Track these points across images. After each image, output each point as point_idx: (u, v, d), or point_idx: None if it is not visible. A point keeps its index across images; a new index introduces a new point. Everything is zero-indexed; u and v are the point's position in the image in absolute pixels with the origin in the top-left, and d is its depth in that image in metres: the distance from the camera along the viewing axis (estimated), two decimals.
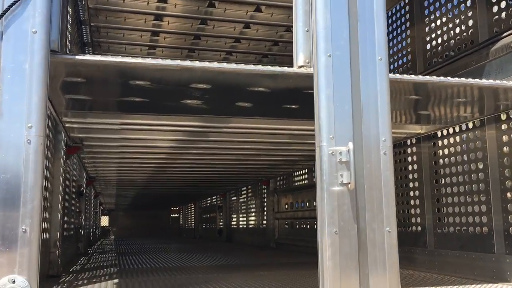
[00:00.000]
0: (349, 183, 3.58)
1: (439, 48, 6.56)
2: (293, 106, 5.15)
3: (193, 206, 28.50)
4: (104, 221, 33.66)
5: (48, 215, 6.74)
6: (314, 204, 10.83)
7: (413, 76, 4.25)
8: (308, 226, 11.54)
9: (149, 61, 3.63)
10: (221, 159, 9.81)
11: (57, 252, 6.86)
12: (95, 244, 19.67)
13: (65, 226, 9.37)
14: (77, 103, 4.85)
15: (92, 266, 8.69)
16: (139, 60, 3.60)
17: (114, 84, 4.21)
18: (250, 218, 16.71)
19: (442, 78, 4.36)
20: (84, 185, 12.92)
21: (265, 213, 14.72)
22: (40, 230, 3.05)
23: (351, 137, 3.68)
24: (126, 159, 9.81)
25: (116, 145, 7.97)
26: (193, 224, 28.54)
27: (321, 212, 3.64)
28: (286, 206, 13.11)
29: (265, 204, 14.71)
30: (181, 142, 7.92)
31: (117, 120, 5.95)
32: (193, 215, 28.71)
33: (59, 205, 6.98)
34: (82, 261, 9.71)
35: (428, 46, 6.82)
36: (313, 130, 6.97)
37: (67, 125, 6.13)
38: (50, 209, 6.87)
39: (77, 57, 3.46)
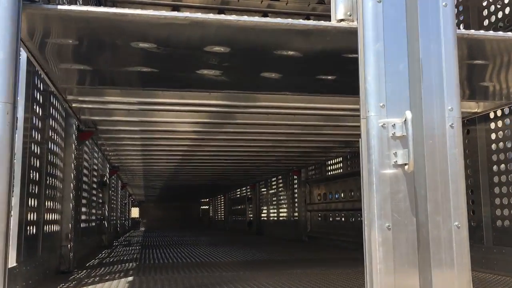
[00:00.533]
0: (405, 164, 2.78)
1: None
2: (329, 77, 4.34)
3: (223, 198, 27.99)
4: (135, 212, 33.62)
5: (59, 205, 6.17)
6: (351, 194, 10.00)
7: (489, 32, 3.38)
8: (343, 219, 10.70)
9: (150, 12, 2.89)
10: (248, 145, 9.06)
11: (69, 245, 6.29)
12: (123, 236, 19.36)
13: (84, 217, 8.86)
14: (77, 75, 4.19)
15: (111, 260, 8.13)
16: (138, 11, 2.87)
17: (114, 48, 3.50)
18: (280, 210, 15.97)
19: None
20: (107, 174, 12.44)
21: (296, 204, 13.94)
22: (7, 220, 2.37)
23: (407, 105, 2.87)
24: (148, 146, 9.19)
25: (135, 130, 7.32)
26: (223, 216, 28.04)
27: (368, 201, 2.85)
28: (319, 197, 12.29)
29: (296, 195, 13.92)
30: (205, 126, 7.22)
31: (131, 99, 5.27)
32: (223, 207, 28.21)
33: (71, 194, 6.40)
34: (103, 255, 9.19)
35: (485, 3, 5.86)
36: (352, 110, 6.18)
37: (74, 105, 5.50)
38: (61, 199, 6.30)
39: (59, 7, 2.76)
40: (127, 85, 4.74)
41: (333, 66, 4.04)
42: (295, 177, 13.88)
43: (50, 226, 5.79)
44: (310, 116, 6.70)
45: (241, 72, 4.21)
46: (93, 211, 10.32)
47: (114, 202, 17.03)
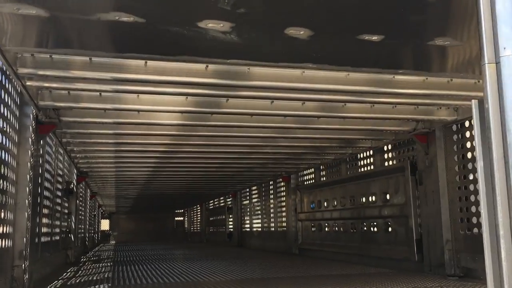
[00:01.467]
0: None
1: None
2: (375, 38, 3.24)
3: (199, 208, 26.62)
4: (105, 225, 31.80)
5: (10, 215, 4.86)
6: (352, 201, 8.89)
7: None
8: (341, 229, 9.62)
9: None
10: (230, 145, 7.89)
11: (23, 265, 4.98)
12: (92, 250, 17.79)
13: (45, 230, 7.49)
14: (31, 30, 2.96)
15: (78, 281, 6.79)
16: None
17: None
18: (265, 220, 14.79)
19: None
20: (74, 181, 11.03)
21: (284, 214, 12.80)
22: None
23: None
24: (122, 146, 7.91)
25: (108, 123, 6.05)
26: (199, 228, 26.63)
27: (487, 203, 1.74)
28: (312, 205, 11.19)
29: (284, 203, 12.78)
30: (187, 118, 6.03)
31: (103, 74, 4.03)
32: (199, 218, 26.82)
33: (27, 201, 5.09)
34: (69, 274, 7.81)
35: None
36: (360, 93, 5.08)
37: (29, 83, 4.24)
38: (13, 207, 5.00)
39: None
40: (99, 49, 3.52)
41: (388, 17, 2.94)
42: (283, 183, 12.76)
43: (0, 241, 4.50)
44: (306, 105, 5.61)
45: (260, 26, 3.06)
46: (57, 222, 8.91)
47: (82, 213, 15.50)
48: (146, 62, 3.98)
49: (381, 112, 6.01)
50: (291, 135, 7.29)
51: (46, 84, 4.38)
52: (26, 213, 5.07)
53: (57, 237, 9.03)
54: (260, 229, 15.40)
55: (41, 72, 3.98)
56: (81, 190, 14.56)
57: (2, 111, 4.52)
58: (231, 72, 4.21)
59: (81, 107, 5.23)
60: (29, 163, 5.15)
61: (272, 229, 14.06)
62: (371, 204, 8.47)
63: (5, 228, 4.69)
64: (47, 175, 7.60)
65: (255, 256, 11.39)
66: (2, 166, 4.61)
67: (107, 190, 17.21)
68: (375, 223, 8.36)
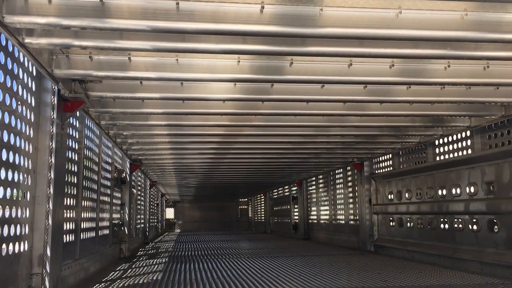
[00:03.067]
0: None
1: None
2: None
3: (263, 197, 25.62)
4: (169, 213, 31.69)
5: (23, 211, 3.94)
6: (442, 192, 7.30)
7: None
8: (429, 226, 8.09)
9: None
10: (295, 127, 6.63)
11: (42, 273, 4.05)
12: (154, 241, 17.26)
13: (86, 225, 6.65)
14: None
15: (119, 286, 5.87)
16: None
17: None
18: (334, 212, 13.43)
19: None
20: (127, 170, 10.25)
21: (357, 205, 11.38)
22: None
23: None
24: (177, 130, 6.90)
25: (154, 98, 5.00)
26: (263, 217, 25.67)
27: None
28: (390, 196, 9.70)
29: (357, 194, 11.36)
30: (247, 91, 4.84)
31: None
32: (263, 208, 25.84)
33: (46, 194, 4.15)
34: (113, 274, 6.95)
35: None
36: None
37: (28, 40, 3.20)
38: (32, 200, 4.07)
39: None
40: None
41: None
42: (355, 171, 11.33)
43: (7, 245, 3.58)
44: (384, 68, 4.21)
45: None
46: (105, 215, 8.11)
47: (141, 202, 14.91)
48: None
49: (490, 76, 4.49)
50: (364, 112, 5.91)
51: (55, 40, 3.33)
52: (45, 208, 4.13)
53: (106, 231, 8.25)
54: (328, 222, 14.06)
55: (43, 21, 2.92)
56: (139, 179, 13.93)
57: (7, 83, 3.57)
58: (296, 15, 2.95)
59: (113, 80, 4.18)
60: (48, 149, 4.20)
61: (342, 222, 12.68)
62: (469, 196, 6.90)
63: (17, 229, 3.77)
64: (88, 163, 6.75)
65: (324, 253, 10.10)
66: (11, 153, 3.67)
67: (167, 179, 16.54)
68: (474, 220, 6.80)
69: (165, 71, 4.10)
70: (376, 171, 10.57)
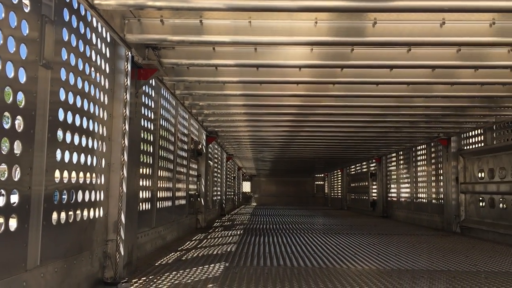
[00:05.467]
0: None
1: None
2: None
3: (339, 173, 25.10)
4: (246, 187, 32.14)
5: (100, 177, 3.96)
6: None
7: None
8: None
9: None
10: (373, 96, 6.16)
11: (116, 241, 4.08)
12: (231, 213, 17.52)
13: (162, 194, 6.73)
14: None
15: (194, 255, 5.89)
16: None
17: None
18: (416, 190, 12.72)
19: None
20: (203, 142, 10.32)
21: (441, 183, 10.66)
22: None
23: None
24: (253, 100, 6.74)
25: (229, 65, 4.83)
26: (340, 194, 25.19)
27: None
28: (481, 174, 8.94)
29: (442, 171, 10.62)
30: (326, 57, 4.51)
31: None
32: (339, 184, 25.34)
33: (121, 162, 4.15)
34: (190, 244, 7.02)
35: None
36: None
37: (104, 3, 3.11)
38: (107, 167, 4.10)
39: None
40: None
41: None
42: (441, 147, 10.58)
43: (82, 211, 3.62)
44: (482, 27, 3.64)
45: None
46: (181, 185, 8.21)
47: (218, 175, 15.10)
48: None
49: None
50: (455, 80, 5.33)
51: (127, 1, 3.21)
52: (119, 176, 4.14)
53: (183, 201, 8.37)
54: (409, 200, 13.37)
55: None
56: (216, 151, 14.08)
57: (80, 48, 3.54)
58: None
59: (184, 40, 4.01)
60: (122, 117, 4.18)
61: (424, 200, 11.98)
62: None
63: (92, 195, 3.80)
64: (165, 133, 6.79)
65: (404, 232, 9.60)
66: (86, 119, 3.68)
67: (243, 152, 16.60)
68: None
69: (238, 34, 3.89)
70: (465, 147, 9.77)
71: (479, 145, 9.18)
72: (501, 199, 8.16)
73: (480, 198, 8.94)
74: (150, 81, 5.37)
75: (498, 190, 8.15)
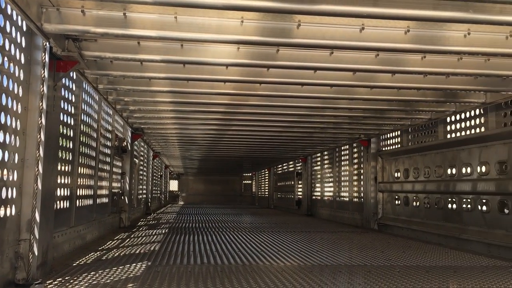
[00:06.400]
0: None
1: None
2: None
3: (267, 172, 25.49)
4: (173, 185, 31.70)
5: (12, 174, 3.74)
6: (452, 172, 6.97)
7: None
8: (436, 205, 7.87)
9: None
10: (298, 97, 6.35)
11: (29, 240, 3.87)
12: (157, 211, 17.20)
13: (82, 192, 6.47)
14: None
15: (115, 255, 5.72)
16: None
17: None
18: (338, 189, 13.22)
19: None
20: (128, 139, 10.05)
21: (362, 183, 11.16)
22: None
23: None
24: (180, 97, 6.65)
25: (155, 60, 4.74)
26: (267, 193, 25.58)
27: None
28: (397, 174, 9.46)
29: (362, 171, 11.13)
30: (253, 56, 4.56)
31: None
32: (267, 183, 25.73)
33: (36, 158, 3.93)
34: (112, 243, 6.82)
35: None
36: None
37: None
38: (20, 163, 3.87)
39: None
40: None
41: None
42: (362, 148, 11.08)
43: None
44: (398, 34, 3.90)
45: None
46: (104, 183, 7.94)
47: (144, 173, 14.77)
48: None
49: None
50: (374, 84, 5.61)
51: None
52: (34, 172, 3.92)
53: (105, 200, 8.10)
54: (332, 198, 13.88)
55: None
56: (142, 149, 13.75)
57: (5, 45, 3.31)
58: None
59: (105, 32, 3.88)
60: (38, 111, 3.96)
61: (346, 199, 12.49)
62: (478, 176, 6.65)
63: (3, 192, 3.57)
64: (86, 129, 6.53)
65: (326, 230, 9.94)
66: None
67: (170, 150, 16.36)
68: (484, 200, 6.56)
69: (164, 29, 3.82)
70: (383, 148, 10.31)
71: (396, 146, 9.73)
72: (414, 198, 8.69)
73: (396, 197, 9.46)
74: (71, 74, 5.14)
75: (412, 189, 8.68)
